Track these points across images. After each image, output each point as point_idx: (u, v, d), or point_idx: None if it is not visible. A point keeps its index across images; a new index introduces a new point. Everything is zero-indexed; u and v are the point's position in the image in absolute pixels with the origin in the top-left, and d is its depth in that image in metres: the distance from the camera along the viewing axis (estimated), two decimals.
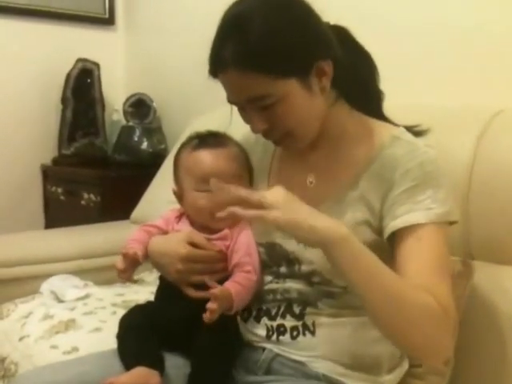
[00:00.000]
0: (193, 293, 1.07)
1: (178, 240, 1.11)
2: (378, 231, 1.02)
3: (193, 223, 1.15)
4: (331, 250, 0.89)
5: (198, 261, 1.09)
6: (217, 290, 0.99)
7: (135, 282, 1.13)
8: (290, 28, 0.96)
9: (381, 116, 1.11)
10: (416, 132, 1.07)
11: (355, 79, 1.06)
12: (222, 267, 1.10)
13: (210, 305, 0.98)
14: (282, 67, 0.95)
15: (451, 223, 1.01)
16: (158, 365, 1.04)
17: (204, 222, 1.13)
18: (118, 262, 1.11)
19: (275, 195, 0.91)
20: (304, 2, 1.00)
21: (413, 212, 0.97)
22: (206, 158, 1.12)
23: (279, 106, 0.97)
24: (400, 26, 1.69)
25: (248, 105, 1.00)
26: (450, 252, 0.99)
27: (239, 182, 1.11)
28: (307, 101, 0.99)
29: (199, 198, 1.11)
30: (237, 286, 1.05)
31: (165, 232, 1.18)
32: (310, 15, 0.99)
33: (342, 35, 1.06)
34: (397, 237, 0.98)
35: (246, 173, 1.15)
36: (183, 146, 1.18)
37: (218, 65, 0.98)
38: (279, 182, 1.12)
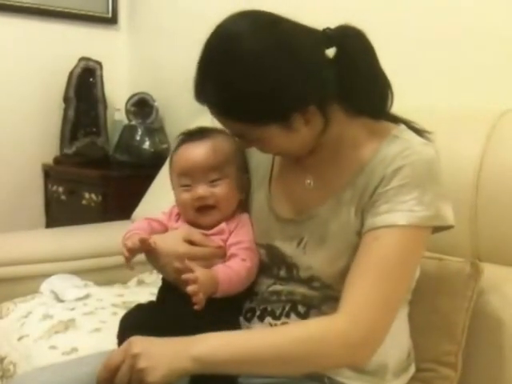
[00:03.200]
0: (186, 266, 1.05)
1: (175, 238, 1.10)
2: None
3: (187, 221, 1.15)
4: (206, 369, 0.90)
5: (197, 258, 1.07)
6: (198, 272, 0.98)
7: (132, 268, 1.11)
8: (273, 84, 0.92)
9: (387, 116, 1.08)
10: (418, 130, 1.05)
11: (357, 84, 1.01)
12: (221, 263, 1.08)
13: (190, 287, 0.97)
14: (260, 118, 0.94)
15: (445, 228, 0.99)
16: None
17: (191, 219, 1.12)
18: (129, 242, 1.08)
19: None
20: (292, 40, 0.94)
21: (393, 212, 0.94)
22: (183, 152, 1.13)
23: (260, 142, 0.99)
24: (407, 27, 1.68)
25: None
26: (419, 258, 0.99)
27: (218, 172, 1.11)
28: (289, 137, 0.98)
29: (181, 192, 1.12)
30: (226, 270, 1.04)
31: (166, 227, 1.17)
32: (297, 59, 0.93)
33: (347, 37, 1.01)
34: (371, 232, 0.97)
35: (229, 163, 1.13)
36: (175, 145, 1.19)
37: (201, 98, 0.98)
38: (279, 184, 1.12)
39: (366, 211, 0.98)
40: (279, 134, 0.97)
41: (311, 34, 0.98)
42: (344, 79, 0.98)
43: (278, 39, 0.93)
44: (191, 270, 0.99)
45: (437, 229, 0.99)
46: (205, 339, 0.92)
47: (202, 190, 1.10)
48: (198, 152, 1.11)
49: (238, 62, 0.92)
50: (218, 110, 0.97)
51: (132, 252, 1.08)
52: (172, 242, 1.10)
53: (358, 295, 0.93)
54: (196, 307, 0.97)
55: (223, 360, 0.91)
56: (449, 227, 1.00)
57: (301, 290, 1.05)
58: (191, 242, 1.09)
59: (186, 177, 1.11)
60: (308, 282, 1.04)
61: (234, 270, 1.05)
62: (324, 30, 1.00)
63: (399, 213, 0.94)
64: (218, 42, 0.95)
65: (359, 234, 0.98)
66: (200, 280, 0.98)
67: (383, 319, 0.94)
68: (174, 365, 0.89)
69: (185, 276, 0.98)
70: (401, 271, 0.96)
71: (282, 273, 1.08)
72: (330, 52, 0.98)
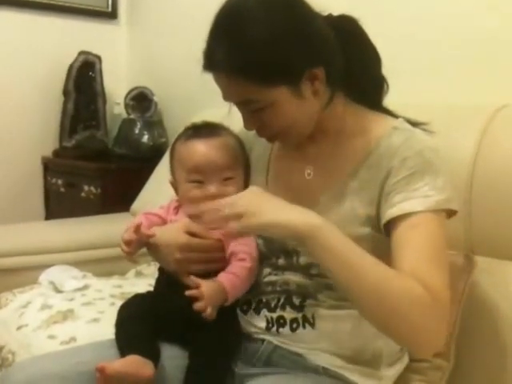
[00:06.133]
0: (192, 282, 1.06)
1: (175, 230, 1.11)
2: (376, 221, 1.00)
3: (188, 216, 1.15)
4: (307, 242, 0.90)
5: (197, 249, 1.09)
6: (203, 287, 0.99)
7: (135, 262, 1.12)
8: (283, 37, 0.95)
9: (381, 108, 1.11)
10: (416, 123, 1.07)
11: (356, 71, 1.05)
12: (220, 256, 1.10)
13: (197, 305, 0.98)
14: (271, 77, 0.95)
15: (451, 213, 1.00)
16: (153, 354, 1.03)
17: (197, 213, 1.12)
18: (126, 235, 1.10)
19: (243, 201, 0.93)
20: (301, 4, 0.99)
21: (409, 200, 0.95)
22: (197, 148, 1.12)
23: (268, 110, 0.98)
24: (404, 24, 1.69)
25: (239, 106, 1.01)
26: (447, 242, 0.96)
27: (231, 171, 1.12)
28: (297, 106, 0.99)
29: (190, 188, 1.12)
30: (231, 277, 1.05)
31: (164, 221, 1.17)
32: (305, 20, 0.98)
33: (347, 25, 1.05)
34: (392, 224, 0.96)
35: (239, 162, 1.15)
36: (179, 136, 1.18)
37: (210, 65, 0.99)
38: (277, 175, 1.13)
39: (381, 204, 0.99)
40: (289, 99, 0.97)
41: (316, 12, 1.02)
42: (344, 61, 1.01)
43: (285, 6, 0.97)
44: (197, 286, 1.00)
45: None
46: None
47: (215, 188, 1.10)
48: (213, 150, 1.11)
49: (247, 20, 0.95)
50: (229, 68, 0.96)
51: (129, 244, 1.09)
52: (172, 233, 1.11)
53: (435, 277, 0.90)
54: (208, 319, 0.99)
55: (333, 246, 0.89)
56: (454, 212, 1.00)
57: (296, 278, 1.06)
58: (191, 234, 1.10)
59: (198, 173, 1.11)
60: (307, 268, 1.05)
61: (238, 277, 1.05)
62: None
63: (414, 200, 0.95)
64: (227, 9, 0.98)
65: (364, 225, 0.99)
66: (205, 295, 0.98)
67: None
68: (287, 215, 0.90)
69: (188, 293, 0.99)
70: (444, 253, 0.95)
71: (281, 261, 1.09)
72: None
